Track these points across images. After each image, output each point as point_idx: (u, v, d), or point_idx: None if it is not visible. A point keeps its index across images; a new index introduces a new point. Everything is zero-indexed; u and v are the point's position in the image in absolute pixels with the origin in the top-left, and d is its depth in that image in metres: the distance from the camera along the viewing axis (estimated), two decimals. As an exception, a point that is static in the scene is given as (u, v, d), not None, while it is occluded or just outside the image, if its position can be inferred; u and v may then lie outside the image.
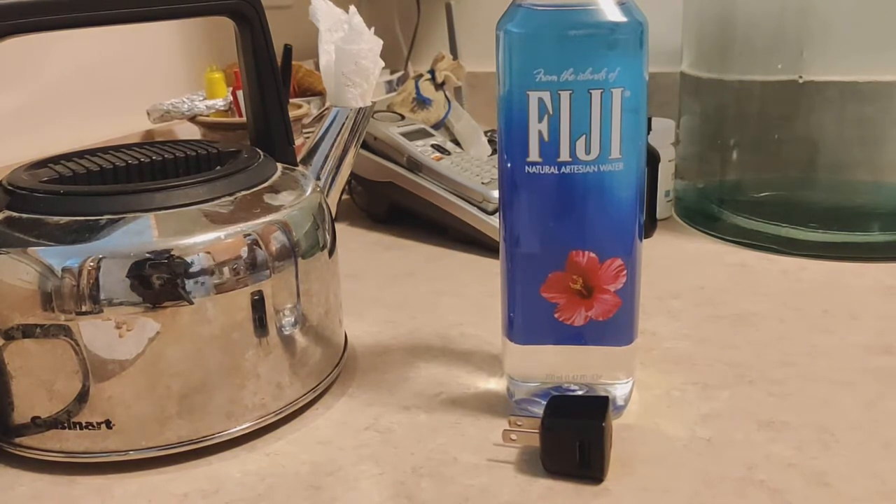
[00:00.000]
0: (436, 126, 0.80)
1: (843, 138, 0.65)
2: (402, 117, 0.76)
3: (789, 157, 0.68)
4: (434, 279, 0.63)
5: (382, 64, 0.50)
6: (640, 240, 0.40)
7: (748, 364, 0.48)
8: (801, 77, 0.64)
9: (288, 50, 0.67)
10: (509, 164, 0.39)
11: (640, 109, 0.37)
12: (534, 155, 0.37)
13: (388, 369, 0.49)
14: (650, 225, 0.69)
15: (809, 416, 0.42)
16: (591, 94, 0.36)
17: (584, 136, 0.37)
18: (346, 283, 0.62)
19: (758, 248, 0.66)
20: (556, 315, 0.40)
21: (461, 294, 0.59)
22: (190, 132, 0.71)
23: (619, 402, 0.42)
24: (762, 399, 0.44)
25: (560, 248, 0.39)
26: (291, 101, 0.72)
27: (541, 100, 0.36)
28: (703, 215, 0.72)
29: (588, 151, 0.37)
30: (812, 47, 0.63)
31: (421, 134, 0.73)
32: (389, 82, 0.96)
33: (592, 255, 0.39)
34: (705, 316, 0.54)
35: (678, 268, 0.64)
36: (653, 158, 0.68)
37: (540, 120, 0.37)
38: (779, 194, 0.71)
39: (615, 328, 0.41)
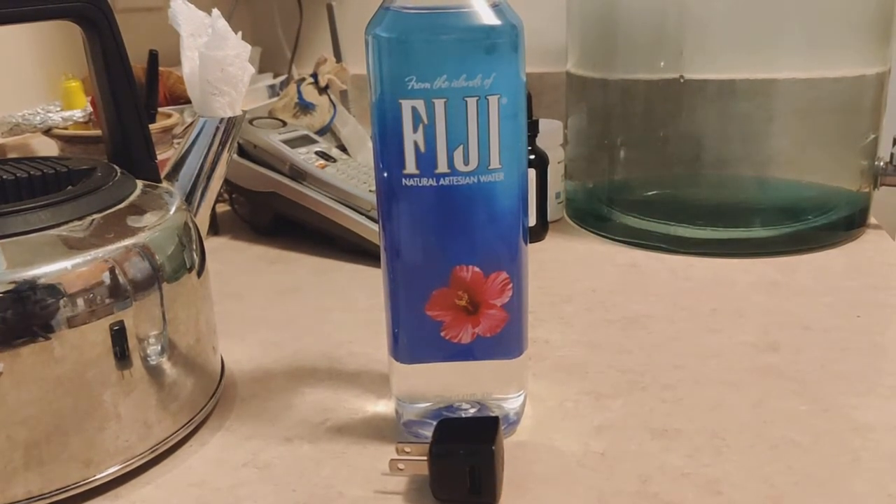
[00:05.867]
0: (321, 132, 0.77)
1: (725, 136, 0.66)
2: (284, 123, 0.72)
3: (675, 156, 0.68)
4: (321, 294, 0.60)
5: (252, 70, 0.47)
6: (526, 249, 0.39)
7: (640, 369, 0.47)
8: (682, 76, 0.64)
9: (154, 56, 0.62)
10: (386, 175, 0.37)
11: (518, 116, 0.36)
12: (410, 167, 0.35)
13: (270, 396, 0.46)
14: (542, 228, 0.68)
15: (701, 420, 0.42)
16: (466, 101, 0.34)
17: (461, 146, 0.35)
18: (226, 302, 0.58)
19: (647, 247, 0.66)
20: (442, 333, 0.38)
21: (350, 309, 0.57)
22: (47, 146, 0.65)
23: (512, 417, 0.41)
24: (655, 406, 0.43)
25: (443, 262, 0.37)
26: (161, 109, 0.67)
27: (414, 108, 0.34)
28: (593, 216, 0.72)
29: (466, 162, 0.35)
30: (691, 46, 0.64)
31: (304, 140, 0.70)
32: (272, 86, 0.92)
33: (477, 269, 0.37)
34: (597, 320, 0.54)
35: (570, 271, 0.63)
36: (541, 161, 0.67)
37: (415, 130, 0.34)
38: (666, 193, 0.71)
39: (504, 342, 0.39)
